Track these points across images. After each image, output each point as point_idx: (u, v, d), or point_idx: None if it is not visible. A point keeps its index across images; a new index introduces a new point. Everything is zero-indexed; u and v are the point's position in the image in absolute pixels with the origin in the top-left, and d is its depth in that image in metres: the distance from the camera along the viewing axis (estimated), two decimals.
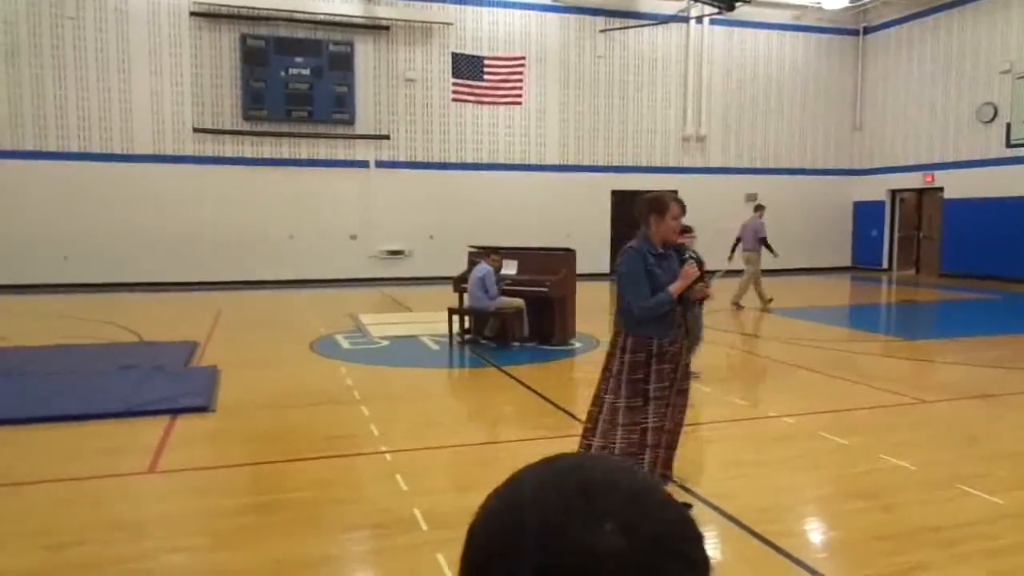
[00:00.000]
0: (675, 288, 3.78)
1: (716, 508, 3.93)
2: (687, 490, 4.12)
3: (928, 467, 4.61)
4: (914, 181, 19.03)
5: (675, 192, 3.95)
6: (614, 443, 3.82)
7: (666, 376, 3.81)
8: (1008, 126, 16.18)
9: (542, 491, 0.56)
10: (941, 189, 18.30)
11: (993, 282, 16.14)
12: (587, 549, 0.52)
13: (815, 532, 3.91)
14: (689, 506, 3.82)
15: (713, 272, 4.03)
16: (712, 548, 3.61)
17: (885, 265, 19.99)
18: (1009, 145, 16.21)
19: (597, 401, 3.99)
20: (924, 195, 19.17)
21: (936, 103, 18.35)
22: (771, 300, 11.92)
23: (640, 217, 3.92)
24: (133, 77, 15.62)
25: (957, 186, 17.76)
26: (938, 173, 18.30)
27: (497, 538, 0.55)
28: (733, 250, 12.42)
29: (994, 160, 16.85)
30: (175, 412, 5.81)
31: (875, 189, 20.17)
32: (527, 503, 0.56)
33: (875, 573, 3.29)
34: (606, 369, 3.94)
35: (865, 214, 20.54)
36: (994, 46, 16.92)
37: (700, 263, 4.10)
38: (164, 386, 6.50)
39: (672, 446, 4.01)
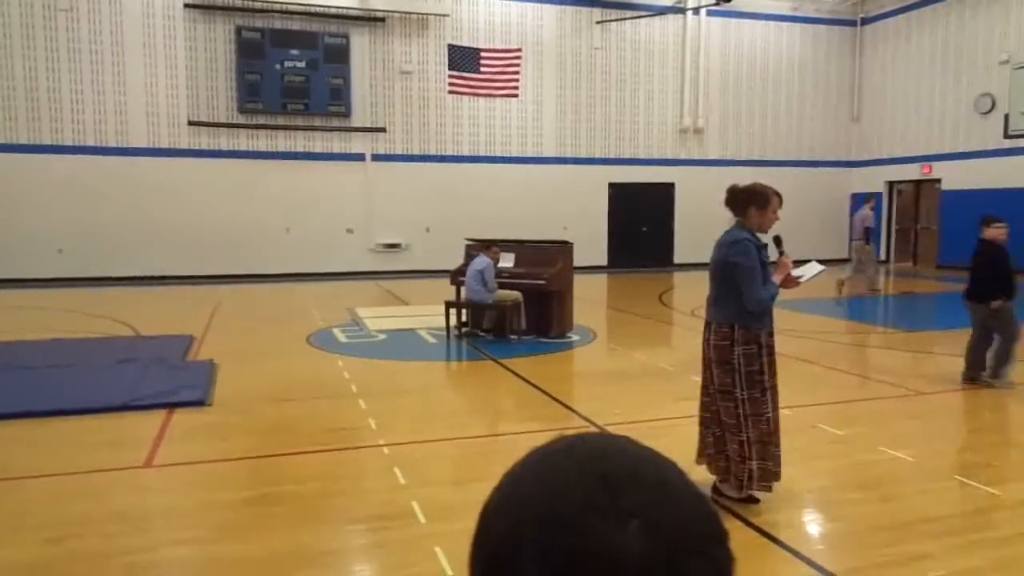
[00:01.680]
0: (778, 279, 3.88)
1: (712, 499, 3.93)
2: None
3: (926, 458, 4.61)
4: (912, 172, 19.02)
5: (759, 183, 3.97)
6: (747, 434, 3.79)
7: (771, 365, 3.88)
8: (1006, 117, 16.15)
9: (563, 482, 0.53)
10: (939, 180, 18.29)
11: None
12: (609, 548, 0.49)
13: (814, 523, 3.91)
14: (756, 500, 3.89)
15: (806, 262, 4.03)
16: None
17: (883, 257, 19.99)
18: (1007, 136, 16.19)
19: (706, 392, 3.98)
20: (922, 186, 19.17)
21: (934, 94, 18.32)
22: (878, 290, 13.43)
23: (736, 207, 3.90)
24: (127, 70, 15.54)
25: (955, 177, 17.75)
26: (936, 164, 18.29)
27: (513, 529, 0.52)
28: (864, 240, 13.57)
29: (992, 151, 16.84)
30: (172, 406, 5.80)
31: (873, 180, 20.15)
32: (547, 495, 0.53)
33: (874, 563, 3.29)
34: (720, 362, 3.83)
35: (863, 206, 20.51)
36: (992, 37, 16.89)
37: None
38: (161, 380, 6.48)
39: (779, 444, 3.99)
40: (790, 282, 3.93)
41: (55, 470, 4.50)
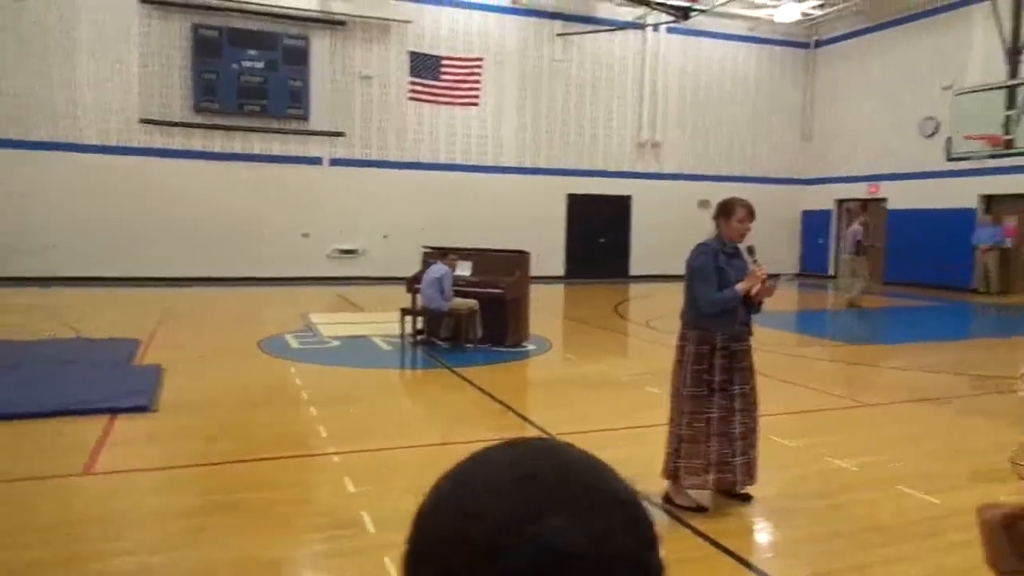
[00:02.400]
0: (742, 286, 3.94)
1: (662, 508, 3.95)
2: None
3: (870, 468, 4.71)
4: (860, 191, 19.55)
5: (743, 199, 4.12)
6: (681, 428, 3.95)
7: (728, 371, 3.93)
8: (948, 140, 16.71)
9: (494, 479, 0.53)
10: (885, 200, 18.84)
11: (934, 290, 16.68)
12: (534, 546, 0.49)
13: (762, 532, 3.95)
14: (704, 509, 3.92)
15: (779, 275, 4.14)
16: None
17: (831, 272, 20.50)
18: (949, 159, 16.74)
19: (672, 391, 4.12)
20: (869, 205, 19.69)
21: (882, 116, 18.89)
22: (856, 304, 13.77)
23: (715, 218, 4.11)
24: (77, 64, 15.13)
25: (901, 197, 18.31)
26: (883, 184, 18.84)
27: (446, 527, 0.52)
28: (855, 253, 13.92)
29: (936, 172, 17.40)
30: (115, 411, 5.62)
31: (823, 198, 20.67)
32: (479, 492, 0.53)
33: (820, 571, 3.35)
34: (676, 361, 4.07)
35: (813, 223, 21.04)
36: (937, 62, 17.49)
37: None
38: (103, 385, 6.29)
39: (746, 452, 3.99)
40: (764, 291, 4.01)
41: None
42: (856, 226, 14.06)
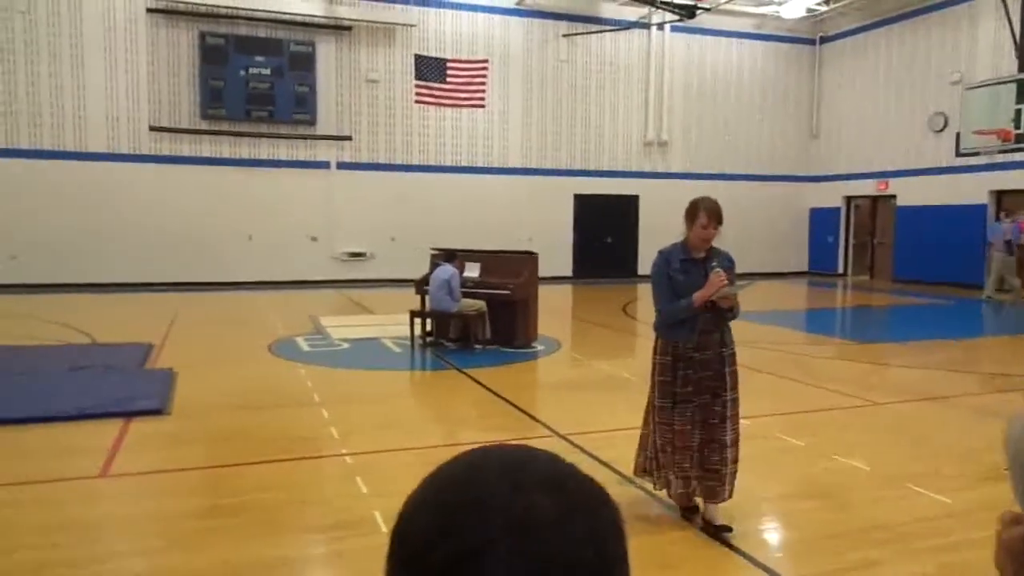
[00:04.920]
0: (698, 296, 3.68)
1: (672, 507, 3.97)
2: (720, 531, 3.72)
3: (879, 467, 4.72)
4: (868, 188, 19.49)
5: (709, 198, 3.82)
6: (654, 434, 3.87)
7: (691, 381, 3.75)
8: (957, 135, 16.66)
9: (479, 464, 0.57)
10: (894, 196, 18.78)
11: (944, 288, 16.60)
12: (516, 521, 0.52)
13: (771, 532, 3.97)
14: (728, 529, 3.68)
15: (739, 283, 3.84)
16: (669, 548, 3.65)
17: (840, 270, 20.44)
18: (959, 154, 16.69)
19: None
20: (878, 202, 19.65)
21: (890, 112, 18.83)
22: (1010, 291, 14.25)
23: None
24: (87, 73, 15.26)
25: (910, 194, 18.23)
26: (892, 181, 18.77)
27: (415, 512, 0.56)
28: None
29: (945, 168, 17.33)
30: (129, 415, 5.69)
31: (831, 196, 20.61)
32: (458, 483, 0.56)
33: (829, 570, 3.36)
34: (651, 371, 3.96)
35: (821, 220, 20.97)
36: (945, 57, 17.42)
37: (730, 270, 3.79)
38: (117, 388, 6.35)
39: (733, 459, 3.78)
40: (722, 301, 3.70)
41: (5, 480, 4.38)
42: (1008, 223, 14.20)
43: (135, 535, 3.69)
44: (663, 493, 3.96)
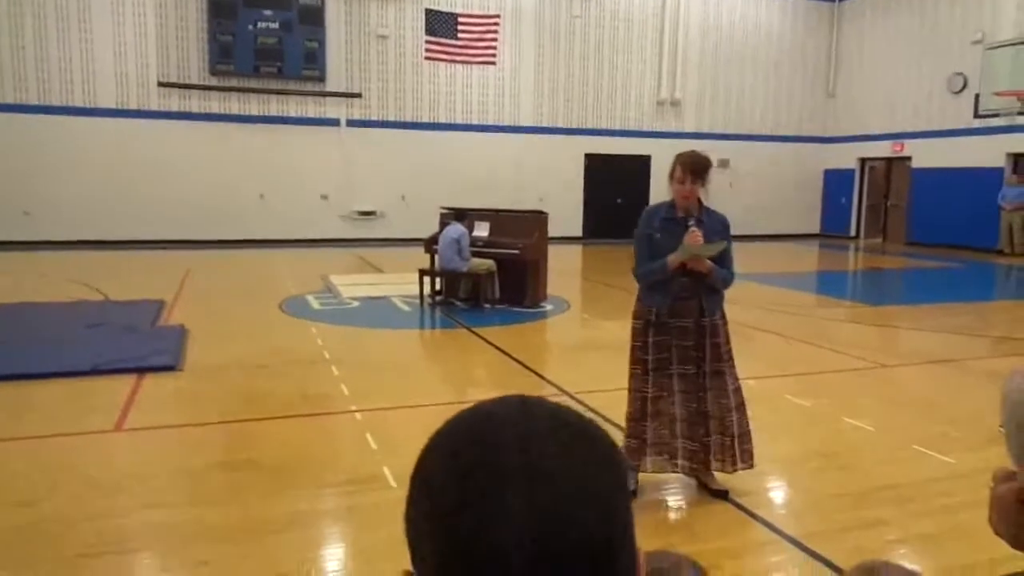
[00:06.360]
0: (672, 258, 3.47)
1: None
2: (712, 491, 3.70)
3: (887, 429, 4.74)
4: (884, 150, 19.21)
5: (693, 152, 3.59)
6: (629, 405, 3.70)
7: (668, 348, 3.56)
8: (977, 97, 16.35)
9: (488, 409, 0.61)
10: (909, 158, 18.52)
11: (958, 251, 16.46)
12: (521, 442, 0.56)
13: (776, 490, 4.01)
14: (724, 493, 3.61)
15: (714, 242, 3.56)
16: (675, 506, 3.70)
17: (853, 233, 20.27)
18: (977, 116, 16.39)
19: None
20: (893, 164, 19.39)
21: (908, 72, 18.46)
22: None
23: None
24: (94, 28, 15.11)
25: (926, 156, 17.97)
26: (908, 142, 18.49)
27: (431, 451, 0.60)
28: None
29: (963, 131, 17.05)
30: (142, 371, 5.76)
31: (846, 157, 20.34)
32: (473, 428, 0.59)
33: (833, 528, 3.40)
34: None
35: (835, 182, 20.74)
36: (966, 16, 17.01)
37: (720, 234, 3.56)
38: (131, 345, 6.43)
39: (721, 431, 3.60)
40: (695, 264, 3.49)
41: (24, 434, 4.46)
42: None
43: (152, 489, 3.76)
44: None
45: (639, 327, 3.63)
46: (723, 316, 3.68)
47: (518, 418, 0.58)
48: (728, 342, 3.68)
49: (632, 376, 3.67)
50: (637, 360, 3.64)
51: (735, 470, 3.67)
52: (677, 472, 3.69)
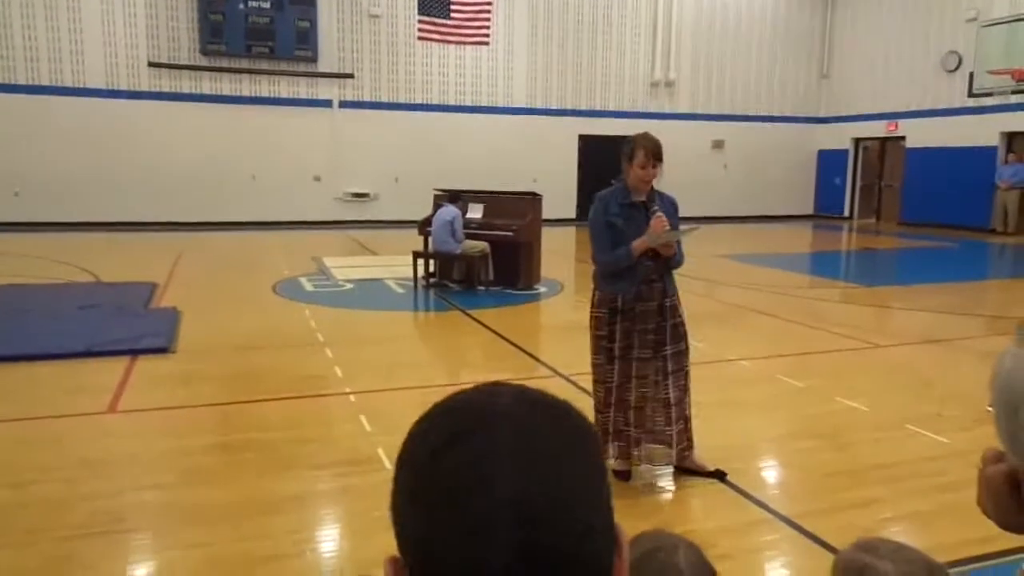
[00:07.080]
0: (637, 244, 3.42)
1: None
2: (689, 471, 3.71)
3: (880, 409, 4.76)
4: (878, 130, 19.17)
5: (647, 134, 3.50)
6: (593, 395, 3.70)
7: (629, 334, 3.54)
8: (971, 75, 16.31)
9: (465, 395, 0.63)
10: (903, 138, 18.49)
11: (951, 231, 16.48)
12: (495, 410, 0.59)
13: (769, 470, 4.03)
14: (723, 474, 3.64)
15: (683, 228, 3.61)
16: (668, 485, 3.71)
17: (847, 213, 20.28)
18: (971, 94, 16.37)
19: None
20: (887, 144, 19.36)
21: (902, 51, 18.38)
22: None
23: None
24: (83, 6, 14.90)
25: (920, 135, 17.94)
26: (901, 122, 18.46)
27: (414, 432, 0.62)
28: None
29: (956, 110, 17.02)
30: (135, 353, 5.74)
31: (839, 137, 20.30)
32: (464, 404, 0.62)
33: (827, 508, 3.42)
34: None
35: (829, 162, 20.71)
36: None
37: (673, 215, 3.53)
38: (123, 327, 6.40)
39: (681, 418, 3.59)
40: (663, 249, 3.48)
41: (16, 415, 4.44)
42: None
43: (146, 470, 3.76)
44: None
45: (603, 315, 3.58)
46: (678, 295, 3.68)
47: (492, 400, 0.60)
48: (684, 323, 3.68)
49: (595, 366, 3.64)
50: (600, 349, 3.61)
51: (691, 455, 3.66)
52: (639, 465, 3.68)
